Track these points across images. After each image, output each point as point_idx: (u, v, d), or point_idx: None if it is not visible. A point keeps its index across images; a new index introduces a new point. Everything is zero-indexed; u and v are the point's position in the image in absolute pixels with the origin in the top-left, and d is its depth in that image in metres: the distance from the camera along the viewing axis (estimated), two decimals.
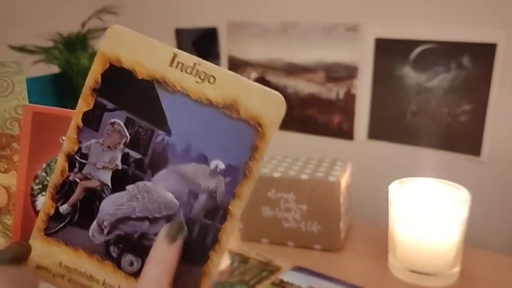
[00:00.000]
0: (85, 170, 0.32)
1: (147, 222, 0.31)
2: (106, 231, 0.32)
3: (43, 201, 0.33)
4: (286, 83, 1.27)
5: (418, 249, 0.69)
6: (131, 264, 0.32)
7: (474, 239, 0.75)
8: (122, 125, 0.31)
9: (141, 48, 0.30)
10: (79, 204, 0.32)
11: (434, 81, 1.06)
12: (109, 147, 0.31)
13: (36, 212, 0.34)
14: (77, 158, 0.32)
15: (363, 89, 1.17)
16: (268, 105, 0.29)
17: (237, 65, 1.34)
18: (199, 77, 0.30)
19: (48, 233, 0.32)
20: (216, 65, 0.30)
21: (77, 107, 0.31)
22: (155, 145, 0.31)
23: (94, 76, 0.31)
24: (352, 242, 0.82)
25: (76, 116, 0.31)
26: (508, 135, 0.99)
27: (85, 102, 0.31)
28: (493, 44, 0.96)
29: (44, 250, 0.32)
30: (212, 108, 0.29)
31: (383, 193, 0.75)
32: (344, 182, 0.78)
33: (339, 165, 0.83)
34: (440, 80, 1.05)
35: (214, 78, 0.29)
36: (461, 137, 1.05)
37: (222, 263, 0.32)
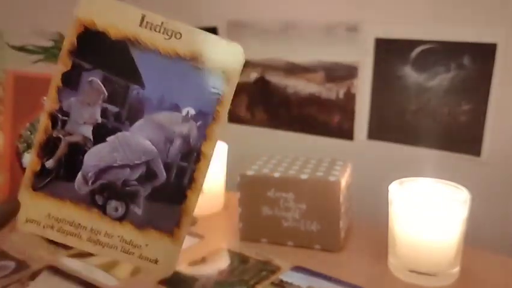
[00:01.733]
0: (68, 127, 0.34)
1: (128, 169, 0.34)
2: (90, 181, 0.34)
3: (29, 159, 0.34)
4: (286, 83, 1.27)
5: (418, 249, 0.69)
6: (116, 209, 0.34)
7: (474, 239, 0.75)
8: (100, 82, 0.34)
9: (113, 11, 0.33)
10: (63, 159, 0.34)
11: (434, 81, 1.06)
12: (88, 104, 0.34)
13: (23, 170, 0.36)
14: (59, 116, 0.34)
15: (363, 89, 1.17)
16: (229, 55, 0.33)
17: None
18: (167, 34, 0.33)
19: (36, 188, 0.34)
20: (181, 23, 0.33)
21: (55, 69, 0.34)
22: (131, 99, 0.34)
23: (69, 40, 0.34)
24: (352, 242, 0.82)
25: (55, 77, 0.33)
26: (508, 135, 0.99)
27: (62, 64, 0.33)
28: (493, 44, 0.96)
29: (33, 204, 0.34)
30: (181, 61, 0.33)
31: (383, 193, 0.75)
32: (344, 182, 0.78)
33: (339, 165, 0.83)
34: (440, 80, 1.05)
35: (181, 34, 0.33)
36: (461, 137, 1.05)
37: (198, 201, 0.35)
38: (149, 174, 0.34)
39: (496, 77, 0.97)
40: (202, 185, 0.34)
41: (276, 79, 1.28)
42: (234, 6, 1.33)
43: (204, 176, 0.34)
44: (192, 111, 0.33)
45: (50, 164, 0.34)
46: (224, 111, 0.33)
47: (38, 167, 0.34)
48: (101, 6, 0.33)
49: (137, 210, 0.34)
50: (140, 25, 0.33)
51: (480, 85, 1.00)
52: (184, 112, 0.33)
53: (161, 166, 0.34)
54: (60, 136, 0.34)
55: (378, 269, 0.74)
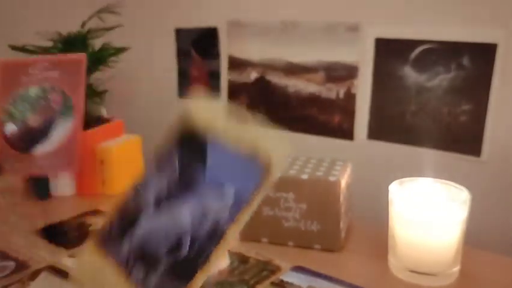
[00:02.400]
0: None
1: (164, 236, 0.36)
2: (133, 243, 0.37)
3: (105, 217, 0.39)
4: (286, 83, 1.27)
5: (418, 249, 0.69)
6: (139, 273, 0.36)
7: (474, 239, 0.75)
8: (177, 161, 0.38)
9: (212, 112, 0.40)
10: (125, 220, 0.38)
11: (434, 81, 1.06)
12: (162, 176, 0.38)
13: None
14: (139, 188, 0.39)
15: (363, 89, 1.17)
16: (278, 154, 0.38)
17: (237, 65, 1.34)
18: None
19: (99, 244, 0.38)
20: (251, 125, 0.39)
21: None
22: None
23: (173, 131, 0.40)
24: (352, 242, 0.82)
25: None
26: (508, 135, 0.99)
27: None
28: (493, 44, 0.97)
29: (88, 261, 0.38)
30: (239, 152, 0.37)
31: (383, 193, 0.75)
32: (344, 182, 0.78)
33: (339, 165, 0.83)
34: (440, 80, 1.05)
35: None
36: (461, 137, 1.05)
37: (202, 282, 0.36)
38: (177, 246, 0.36)
39: (496, 77, 0.97)
40: (211, 269, 0.35)
41: (276, 79, 1.28)
42: (234, 6, 1.33)
43: (217, 260, 0.35)
44: (232, 192, 0.36)
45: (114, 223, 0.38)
46: (258, 199, 0.36)
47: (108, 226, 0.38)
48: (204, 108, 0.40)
49: (151, 282, 0.35)
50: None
51: (480, 85, 1.00)
52: (225, 192, 0.36)
53: (189, 240, 0.35)
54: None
55: (378, 269, 0.74)
